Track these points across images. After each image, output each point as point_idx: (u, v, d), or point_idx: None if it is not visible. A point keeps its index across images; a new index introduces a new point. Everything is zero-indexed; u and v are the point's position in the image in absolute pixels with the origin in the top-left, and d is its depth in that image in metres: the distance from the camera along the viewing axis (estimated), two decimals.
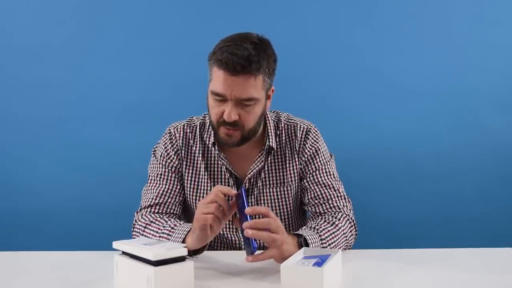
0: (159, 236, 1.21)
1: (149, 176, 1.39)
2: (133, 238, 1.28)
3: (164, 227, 1.22)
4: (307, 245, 1.12)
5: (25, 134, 1.94)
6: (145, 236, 1.24)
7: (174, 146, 1.37)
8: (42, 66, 1.93)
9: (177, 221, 1.25)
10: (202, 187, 1.36)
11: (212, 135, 1.34)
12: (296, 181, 1.38)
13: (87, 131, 1.93)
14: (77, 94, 1.93)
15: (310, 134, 1.39)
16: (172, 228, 1.20)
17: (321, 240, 1.16)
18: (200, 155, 1.37)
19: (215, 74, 1.22)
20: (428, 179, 1.91)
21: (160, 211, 1.32)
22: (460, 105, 1.90)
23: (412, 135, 1.91)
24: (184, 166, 1.37)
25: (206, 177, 1.36)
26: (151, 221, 1.26)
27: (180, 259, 0.95)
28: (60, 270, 1.12)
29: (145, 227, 1.26)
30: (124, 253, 1.00)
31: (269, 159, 1.37)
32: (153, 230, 1.23)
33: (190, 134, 1.39)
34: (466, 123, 1.90)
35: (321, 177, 1.35)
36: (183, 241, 1.14)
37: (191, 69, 1.87)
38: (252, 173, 1.35)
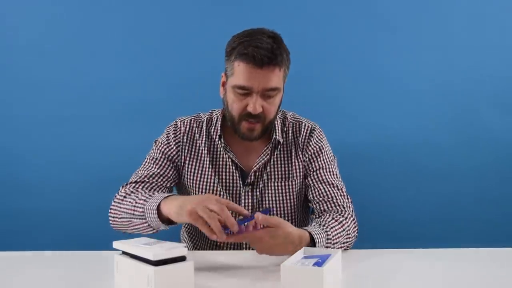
0: (135, 204, 1.19)
1: (145, 159, 1.41)
2: (110, 209, 1.28)
3: (142, 195, 1.21)
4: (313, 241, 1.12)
5: (25, 134, 1.94)
6: (122, 206, 1.24)
7: (177, 137, 1.40)
8: (42, 66, 1.93)
9: (151, 194, 1.24)
10: (206, 181, 1.37)
11: (219, 129, 1.37)
12: (301, 177, 1.40)
13: (87, 131, 1.93)
14: (77, 94, 1.93)
15: (315, 133, 1.42)
16: (150, 196, 1.19)
17: (328, 240, 1.17)
18: (206, 149, 1.39)
19: (239, 68, 1.24)
20: (428, 179, 1.91)
21: (143, 188, 1.32)
22: (460, 105, 1.90)
23: (412, 135, 1.91)
24: (188, 160, 1.39)
25: (210, 170, 1.37)
26: (131, 192, 1.26)
27: (180, 259, 0.95)
28: (60, 270, 1.12)
29: (121, 200, 1.25)
30: (124, 253, 1.00)
31: (275, 153, 1.39)
32: (129, 201, 1.23)
33: (196, 129, 1.41)
34: (466, 123, 1.90)
35: (325, 175, 1.37)
36: (158, 206, 1.12)
37: (191, 69, 1.87)
38: (257, 166, 1.36)
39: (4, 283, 1.04)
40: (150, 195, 1.20)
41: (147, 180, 1.34)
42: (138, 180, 1.33)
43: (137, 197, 1.22)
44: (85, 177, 1.94)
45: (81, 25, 1.92)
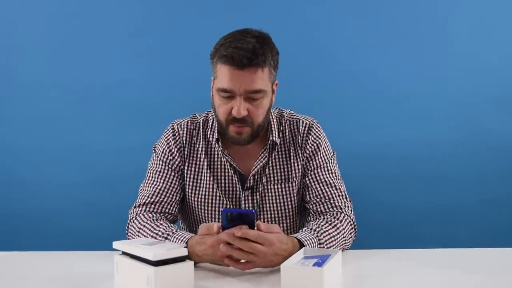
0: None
1: (148, 172, 1.37)
2: (128, 238, 1.27)
3: (157, 234, 1.19)
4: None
5: (25, 134, 1.94)
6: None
7: (178, 143, 1.35)
8: (42, 66, 1.93)
9: (170, 228, 1.21)
10: (203, 185, 1.34)
11: (216, 132, 1.33)
12: (301, 177, 1.36)
13: (87, 131, 1.93)
14: (77, 94, 1.93)
15: (313, 130, 1.37)
16: (166, 238, 1.17)
17: (320, 243, 1.15)
18: (203, 152, 1.34)
19: (221, 70, 1.20)
20: (429, 179, 1.91)
21: (155, 210, 1.29)
22: (460, 105, 1.90)
23: (412, 135, 1.91)
24: (186, 164, 1.35)
25: (208, 174, 1.34)
26: (144, 225, 1.23)
27: (180, 259, 0.95)
28: (60, 270, 1.12)
29: (138, 231, 1.23)
30: (124, 253, 1.00)
31: (273, 155, 1.35)
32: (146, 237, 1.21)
33: (194, 131, 1.37)
34: (466, 124, 1.90)
35: (322, 175, 1.34)
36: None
37: (191, 69, 1.87)
38: (256, 169, 1.33)
39: (4, 283, 1.04)
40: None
41: (156, 200, 1.30)
42: (147, 201, 1.30)
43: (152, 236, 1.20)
44: (85, 177, 1.94)
45: (81, 25, 1.93)
